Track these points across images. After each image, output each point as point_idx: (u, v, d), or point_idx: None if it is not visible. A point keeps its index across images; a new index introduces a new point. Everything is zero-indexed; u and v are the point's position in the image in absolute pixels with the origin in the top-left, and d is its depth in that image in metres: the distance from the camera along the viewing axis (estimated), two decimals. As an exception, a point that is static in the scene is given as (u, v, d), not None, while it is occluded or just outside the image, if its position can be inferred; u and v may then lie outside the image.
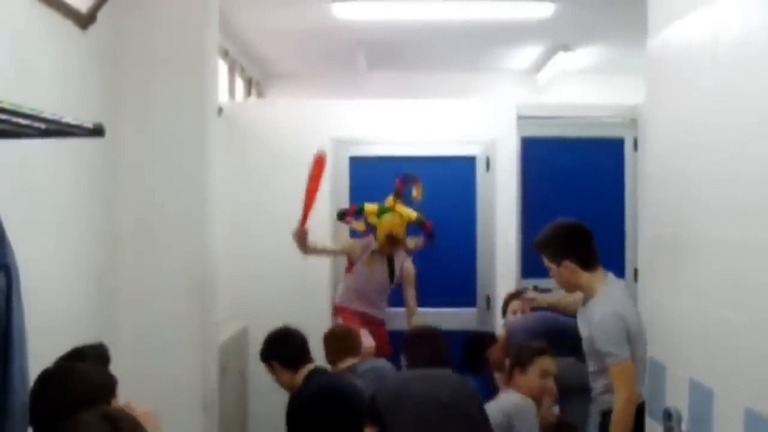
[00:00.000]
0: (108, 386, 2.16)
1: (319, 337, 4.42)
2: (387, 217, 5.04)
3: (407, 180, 5.12)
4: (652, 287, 3.03)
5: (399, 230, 5.04)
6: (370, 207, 5.11)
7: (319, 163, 4.79)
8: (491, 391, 4.43)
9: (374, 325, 5.07)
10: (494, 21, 5.52)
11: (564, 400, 4.04)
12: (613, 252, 5.97)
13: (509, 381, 3.96)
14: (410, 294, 5.25)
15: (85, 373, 2.17)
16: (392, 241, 5.04)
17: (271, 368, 4.04)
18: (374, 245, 5.10)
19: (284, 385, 3.98)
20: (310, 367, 3.95)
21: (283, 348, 4.02)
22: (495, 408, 3.68)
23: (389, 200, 5.09)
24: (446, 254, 5.85)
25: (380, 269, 5.15)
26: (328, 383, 3.91)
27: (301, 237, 4.85)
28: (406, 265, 5.25)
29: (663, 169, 2.86)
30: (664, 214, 2.85)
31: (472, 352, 4.60)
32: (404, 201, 5.13)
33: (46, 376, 2.20)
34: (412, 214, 5.12)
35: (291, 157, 5.63)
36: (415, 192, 5.15)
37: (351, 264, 5.21)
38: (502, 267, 5.82)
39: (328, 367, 4.29)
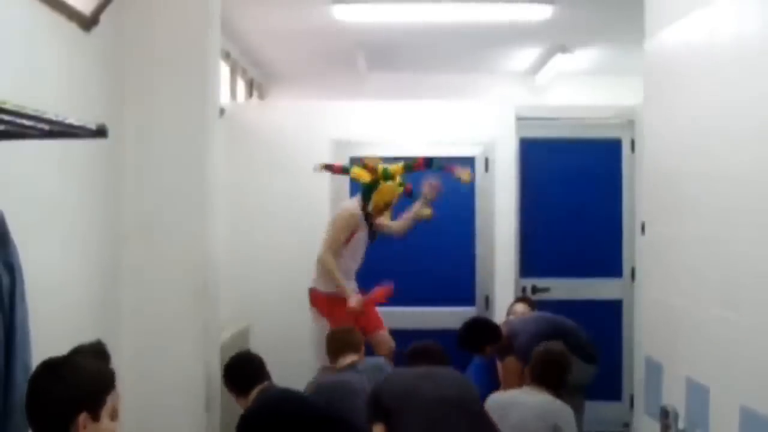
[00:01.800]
0: (107, 378, 2.18)
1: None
2: (390, 186, 5.09)
3: (428, 164, 5.20)
4: (649, 286, 3.06)
5: (395, 201, 5.16)
6: (372, 164, 5.14)
7: (383, 293, 5.03)
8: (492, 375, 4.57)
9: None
10: (493, 23, 5.53)
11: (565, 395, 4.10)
12: (611, 251, 6.01)
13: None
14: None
15: (83, 366, 2.19)
16: (386, 209, 5.17)
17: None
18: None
19: (243, 409, 3.94)
20: (260, 387, 3.90)
21: (233, 376, 4.01)
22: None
23: (397, 167, 5.10)
24: (445, 254, 5.89)
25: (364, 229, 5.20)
26: (267, 399, 3.85)
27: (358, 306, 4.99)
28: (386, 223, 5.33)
29: (660, 170, 2.88)
30: (660, 214, 2.87)
31: (471, 334, 4.66)
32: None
33: (45, 367, 2.20)
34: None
35: (292, 158, 5.67)
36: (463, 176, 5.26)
37: (352, 234, 5.19)
38: (501, 267, 5.85)
39: (328, 365, 4.32)
